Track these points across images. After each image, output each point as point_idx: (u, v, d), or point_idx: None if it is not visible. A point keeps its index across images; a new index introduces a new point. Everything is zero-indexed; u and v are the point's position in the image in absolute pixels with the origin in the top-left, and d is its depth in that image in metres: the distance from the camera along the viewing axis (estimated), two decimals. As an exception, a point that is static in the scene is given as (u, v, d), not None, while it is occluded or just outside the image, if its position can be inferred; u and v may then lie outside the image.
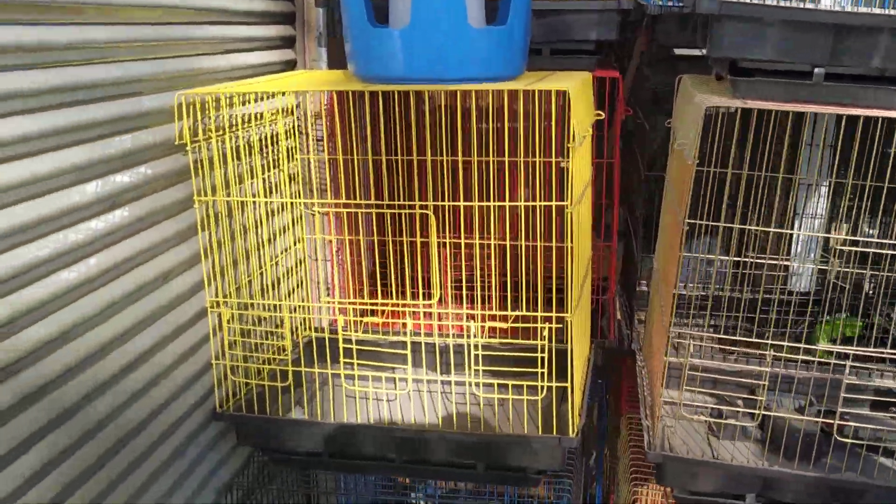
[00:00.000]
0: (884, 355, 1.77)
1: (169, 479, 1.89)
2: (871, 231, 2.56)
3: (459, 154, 2.03)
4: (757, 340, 1.82)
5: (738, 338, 1.83)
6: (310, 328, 2.33)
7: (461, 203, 1.72)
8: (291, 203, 2.10)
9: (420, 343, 2.16)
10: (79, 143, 1.53)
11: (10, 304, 1.40)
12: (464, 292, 1.90)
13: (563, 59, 2.30)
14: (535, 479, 1.96)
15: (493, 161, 1.94)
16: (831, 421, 1.83)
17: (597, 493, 2.88)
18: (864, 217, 2.42)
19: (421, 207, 1.77)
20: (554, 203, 1.73)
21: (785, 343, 1.81)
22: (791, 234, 2.62)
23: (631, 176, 2.58)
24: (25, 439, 1.43)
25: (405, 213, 2.18)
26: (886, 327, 2.34)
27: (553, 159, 1.95)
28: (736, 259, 2.31)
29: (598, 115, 2.11)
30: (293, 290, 2.37)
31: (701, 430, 2.08)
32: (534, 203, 1.78)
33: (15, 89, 1.36)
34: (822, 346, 1.80)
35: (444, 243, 1.99)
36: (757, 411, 1.83)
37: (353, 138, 2.37)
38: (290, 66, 2.48)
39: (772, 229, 1.74)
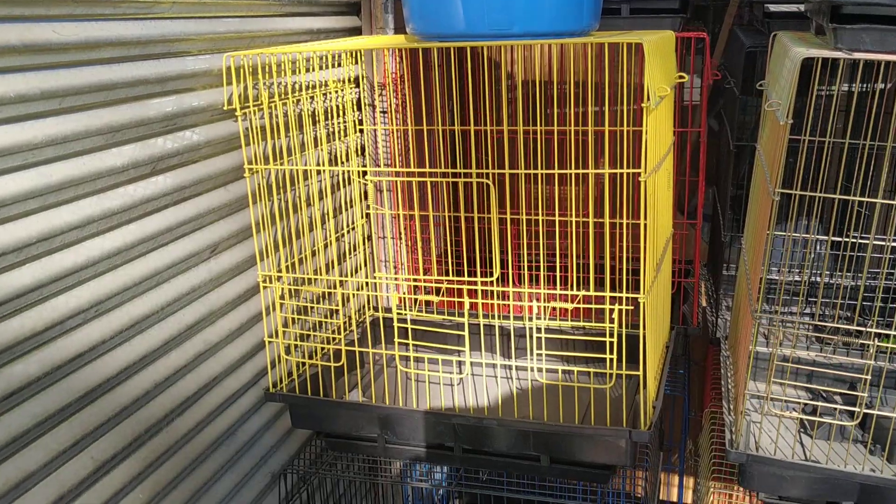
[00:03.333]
0: None
1: (218, 459, 1.82)
2: None
3: (527, 125, 1.87)
4: (857, 328, 1.59)
5: (835, 325, 1.61)
6: (377, 308, 2.22)
7: (520, 171, 1.56)
8: (351, 176, 1.98)
9: (483, 325, 2.01)
10: (114, 102, 1.45)
11: (33, 271, 1.33)
12: (523, 271, 1.73)
13: (645, 18, 2.12)
14: (603, 476, 1.79)
15: (556, 131, 1.77)
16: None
17: (679, 492, 2.68)
18: None
19: (478, 176, 1.62)
20: (625, 171, 1.55)
21: (892, 332, 1.59)
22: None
23: (720, 148, 2.36)
24: (60, 410, 1.37)
25: (475, 187, 2.04)
26: None
27: (625, 128, 1.76)
28: (836, 239, 2.07)
29: (681, 76, 1.92)
30: (359, 267, 2.27)
31: (793, 428, 1.87)
32: (603, 171, 1.60)
33: (51, 41, 1.28)
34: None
35: (506, 219, 1.84)
36: (857, 409, 1.61)
37: (421, 108, 2.25)
38: (354, 32, 2.37)
39: (879, 200, 1.51)
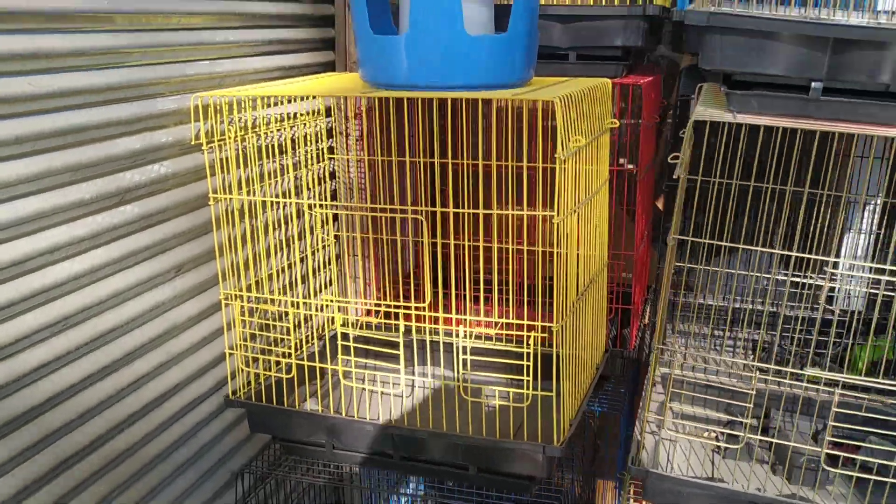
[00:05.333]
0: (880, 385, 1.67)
1: (178, 458, 2.01)
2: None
3: (470, 158, 2.05)
4: (741, 361, 1.76)
5: (720, 357, 1.78)
6: (343, 325, 2.40)
7: (450, 210, 1.74)
8: (304, 203, 2.17)
9: (421, 341, 2.19)
10: (89, 142, 1.65)
11: (15, 287, 1.52)
12: (452, 294, 1.91)
13: (590, 65, 2.28)
14: (525, 486, 1.97)
15: (494, 166, 1.95)
16: (835, 452, 1.76)
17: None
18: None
19: (413, 212, 1.80)
20: (539, 213, 1.73)
21: (770, 366, 1.75)
22: (835, 249, 2.53)
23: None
24: (27, 412, 1.56)
25: (435, 217, 2.22)
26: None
27: (546, 165, 1.94)
28: (762, 275, 2.24)
29: (613, 122, 2.09)
30: (323, 287, 2.45)
31: (707, 448, 2.03)
32: (519, 212, 1.78)
33: (26, 93, 1.48)
34: (813, 371, 1.73)
35: (449, 245, 2.02)
36: (743, 434, 1.77)
37: (386, 141, 2.43)
38: (328, 67, 2.55)
39: (761, 248, 1.67)
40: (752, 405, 1.69)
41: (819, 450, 1.75)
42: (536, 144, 2.11)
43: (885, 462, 1.74)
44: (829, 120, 1.57)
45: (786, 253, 1.74)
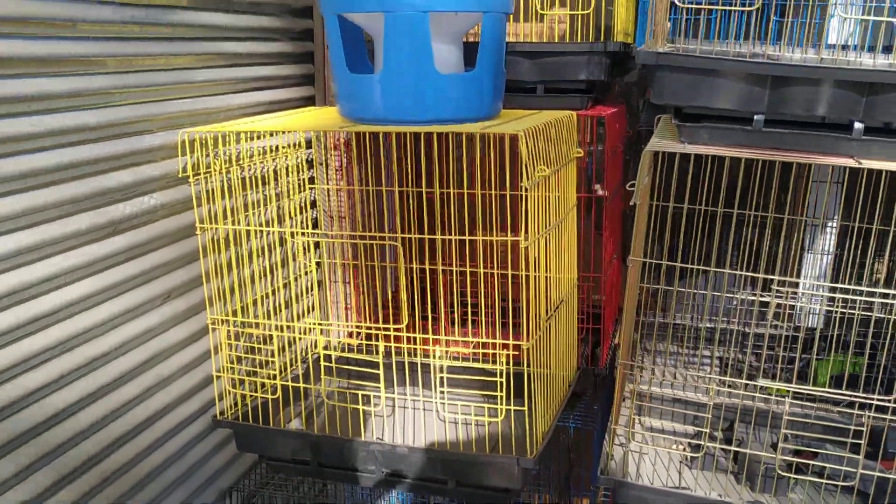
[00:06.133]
0: (827, 395, 1.79)
1: (166, 479, 2.09)
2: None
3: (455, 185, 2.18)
4: (701, 374, 1.88)
5: (685, 371, 1.90)
6: (325, 347, 2.51)
7: (426, 235, 1.86)
8: (285, 234, 2.29)
9: (403, 362, 2.29)
10: (83, 176, 1.76)
11: (14, 314, 1.62)
12: (430, 317, 2.02)
13: (556, 97, 2.42)
14: (501, 498, 2.07)
15: (467, 194, 2.08)
16: (791, 458, 1.88)
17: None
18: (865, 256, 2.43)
19: (391, 239, 1.92)
20: (508, 238, 1.85)
21: (726, 378, 1.87)
22: (798, 270, 2.67)
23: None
24: (22, 434, 1.65)
25: (415, 243, 2.34)
26: (891, 366, 2.35)
27: (512, 193, 2.06)
28: (724, 295, 2.36)
29: (578, 152, 2.22)
30: (307, 312, 2.56)
31: (676, 460, 2.14)
32: (485, 238, 1.90)
33: (28, 132, 1.59)
34: (765, 382, 1.85)
35: (425, 270, 2.15)
36: (704, 444, 1.89)
37: (366, 171, 2.55)
38: (308, 101, 2.68)
39: (710, 268, 1.80)
40: (710, 416, 1.81)
41: (775, 456, 1.86)
42: (506, 173, 2.24)
43: (838, 467, 1.86)
44: (771, 149, 1.70)
45: (740, 273, 1.87)
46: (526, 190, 1.81)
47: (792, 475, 1.86)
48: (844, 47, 1.99)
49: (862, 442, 1.76)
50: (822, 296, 2.56)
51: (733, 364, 2.48)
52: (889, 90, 1.63)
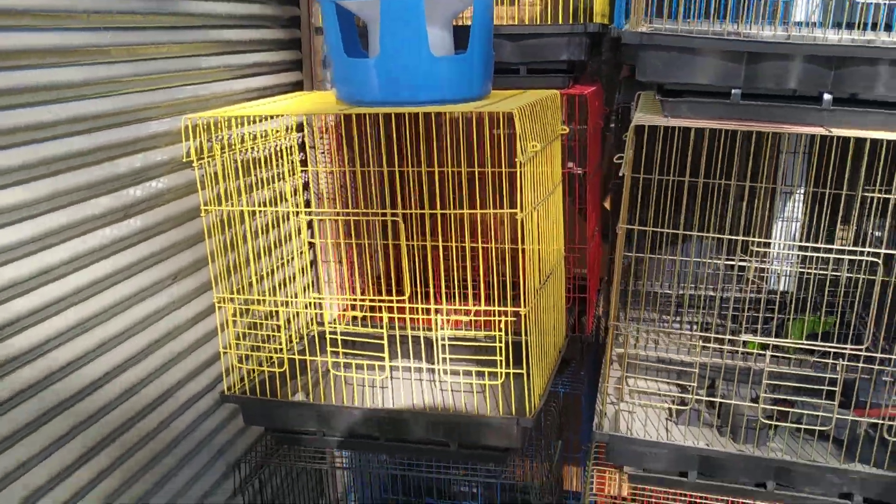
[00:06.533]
0: (801, 346, 1.94)
1: (178, 453, 2.18)
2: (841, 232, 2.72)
3: (437, 164, 2.28)
4: (688, 332, 2.01)
5: (670, 330, 2.03)
6: (321, 324, 2.61)
7: (426, 210, 1.96)
8: (290, 211, 2.38)
9: (404, 335, 2.40)
10: (96, 163, 1.83)
11: (40, 295, 1.70)
12: (432, 290, 2.13)
13: (539, 78, 2.52)
14: (500, 457, 2.19)
15: (465, 171, 2.18)
16: (766, 406, 2.02)
17: (583, 480, 3.08)
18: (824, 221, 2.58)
19: (392, 215, 2.02)
20: (507, 210, 1.96)
21: (711, 335, 2.01)
22: (772, 235, 2.82)
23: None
24: (47, 411, 1.73)
25: (414, 220, 2.43)
26: (858, 324, 2.51)
27: (509, 170, 2.17)
28: (703, 260, 2.50)
29: (563, 129, 2.34)
30: (305, 288, 2.65)
31: (662, 416, 2.28)
32: (486, 211, 2.01)
33: (38, 121, 1.66)
34: (747, 337, 1.99)
35: (426, 246, 2.26)
36: (691, 396, 2.02)
37: (358, 152, 2.64)
38: (297, 86, 2.76)
39: (693, 233, 1.93)
40: (697, 371, 1.94)
41: (756, 406, 2.00)
42: (496, 152, 2.35)
43: (813, 413, 2.00)
44: (748, 120, 1.83)
45: (717, 236, 2.00)
46: (521, 164, 1.92)
47: (773, 422, 2.00)
48: (810, 24, 2.12)
49: (836, 390, 1.90)
50: (792, 254, 2.71)
51: (713, 327, 2.62)
52: (854, 63, 1.76)
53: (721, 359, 2.33)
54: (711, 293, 2.74)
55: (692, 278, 2.82)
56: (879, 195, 2.03)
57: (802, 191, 2.83)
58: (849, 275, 2.24)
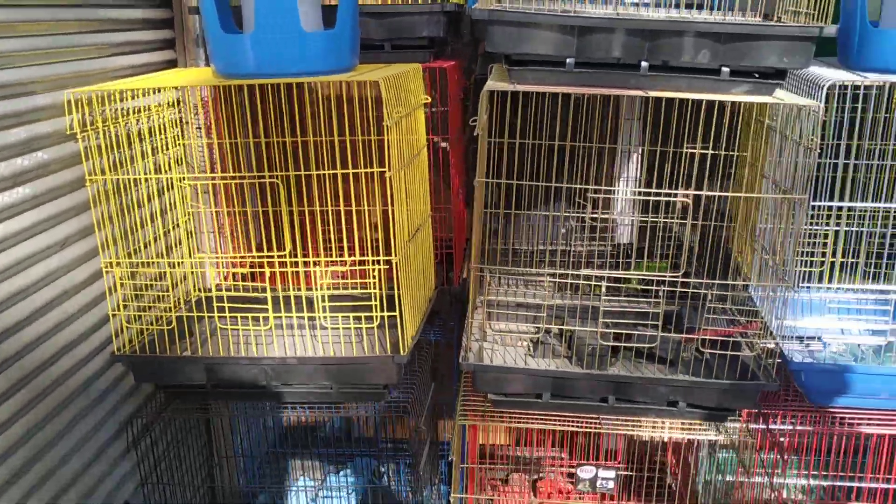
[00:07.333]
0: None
1: (73, 409, 2.30)
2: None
3: (309, 134, 2.48)
4: (538, 270, 2.31)
5: (525, 270, 2.32)
6: (202, 289, 2.76)
7: (302, 172, 2.16)
8: (172, 180, 2.52)
9: (291, 295, 2.60)
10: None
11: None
12: (310, 249, 2.33)
13: (402, 53, 2.76)
14: (380, 394, 2.43)
15: (337, 140, 2.39)
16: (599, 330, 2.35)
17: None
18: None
19: (270, 177, 2.21)
20: (375, 170, 2.19)
21: (557, 270, 2.32)
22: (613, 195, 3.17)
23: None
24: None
25: (286, 187, 2.62)
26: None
27: (379, 137, 2.40)
28: (554, 214, 2.82)
29: (426, 99, 2.59)
30: (191, 253, 2.79)
31: (521, 352, 2.57)
32: (358, 170, 2.23)
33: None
34: (584, 272, 2.32)
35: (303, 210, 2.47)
36: (542, 327, 2.32)
37: (234, 124, 2.80)
38: (171, 65, 2.87)
39: (541, 183, 2.23)
40: (547, 307, 2.24)
41: (597, 331, 2.33)
42: (365, 123, 2.57)
43: (648, 346, 2.34)
44: (582, 86, 2.13)
45: (560, 185, 2.30)
46: (388, 129, 2.15)
47: (612, 343, 2.33)
48: (638, 4, 2.45)
49: (660, 312, 2.24)
50: (629, 208, 3.07)
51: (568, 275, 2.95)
52: (665, 36, 2.09)
53: (570, 300, 2.66)
54: (564, 248, 3.07)
55: (550, 236, 3.14)
56: (692, 150, 2.38)
57: (639, 151, 3.20)
58: (665, 219, 2.60)
